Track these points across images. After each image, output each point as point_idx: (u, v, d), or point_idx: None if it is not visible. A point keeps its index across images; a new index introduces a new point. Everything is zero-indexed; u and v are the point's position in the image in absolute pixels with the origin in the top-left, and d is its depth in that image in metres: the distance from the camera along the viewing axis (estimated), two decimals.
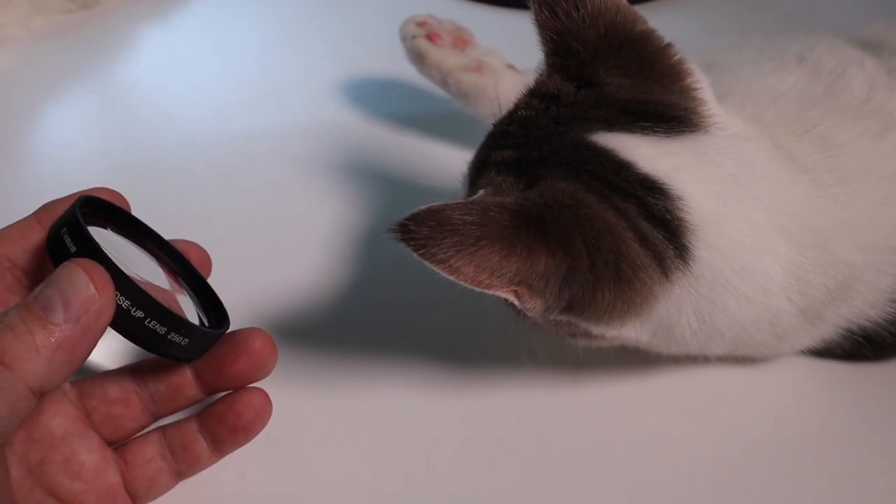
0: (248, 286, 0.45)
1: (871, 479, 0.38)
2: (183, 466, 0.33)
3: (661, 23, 0.37)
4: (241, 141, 0.59)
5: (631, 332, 0.35)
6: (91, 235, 0.28)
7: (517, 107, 0.38)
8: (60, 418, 0.31)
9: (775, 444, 0.39)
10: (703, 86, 0.36)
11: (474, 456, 0.38)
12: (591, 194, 0.32)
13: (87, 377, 0.34)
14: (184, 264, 0.35)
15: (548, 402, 0.41)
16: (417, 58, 0.55)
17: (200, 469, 0.33)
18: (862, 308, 0.38)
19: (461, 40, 0.55)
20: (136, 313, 0.28)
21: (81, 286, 0.26)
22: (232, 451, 0.33)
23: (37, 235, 0.32)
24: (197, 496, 0.35)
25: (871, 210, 0.37)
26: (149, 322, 0.28)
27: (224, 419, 0.32)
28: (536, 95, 0.37)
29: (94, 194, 0.32)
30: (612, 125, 0.34)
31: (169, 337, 0.29)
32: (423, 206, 0.30)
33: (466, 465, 0.38)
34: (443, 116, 0.59)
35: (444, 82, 0.54)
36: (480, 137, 0.55)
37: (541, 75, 0.37)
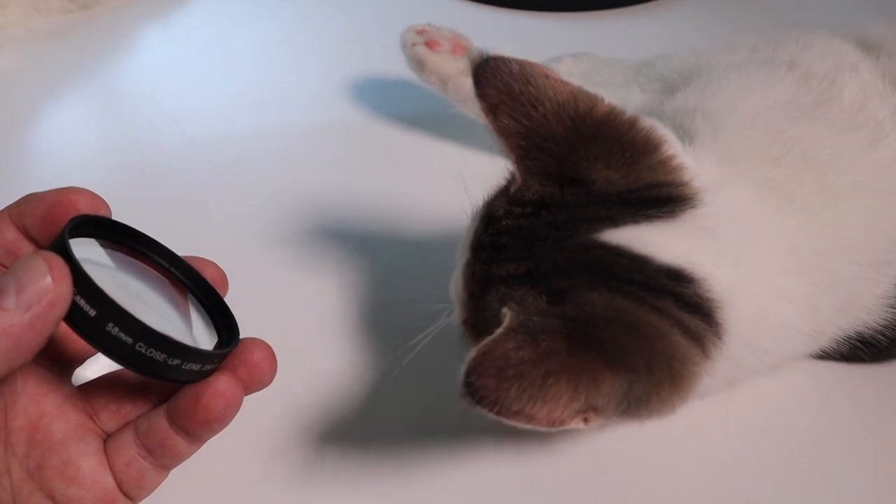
0: (247, 286, 0.45)
1: (871, 478, 0.38)
2: (165, 461, 0.32)
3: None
4: (241, 141, 0.59)
5: None
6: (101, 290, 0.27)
7: (494, 216, 0.35)
8: (62, 422, 0.31)
9: (778, 444, 0.39)
10: (677, 150, 0.35)
11: (475, 454, 0.38)
12: (627, 300, 0.32)
13: (92, 379, 0.34)
14: (192, 275, 0.34)
15: None
16: (417, 64, 0.55)
17: (184, 459, 0.32)
18: (859, 315, 0.39)
19: (459, 46, 0.56)
20: (124, 337, 0.27)
21: (38, 275, 0.26)
22: (211, 437, 0.32)
23: (9, 233, 0.31)
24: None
25: (866, 226, 0.37)
26: (146, 351, 0.28)
27: (193, 414, 0.30)
28: (517, 203, 0.35)
29: (72, 196, 0.31)
30: (616, 221, 0.33)
31: (183, 366, 0.29)
32: (471, 352, 0.29)
33: (466, 464, 0.38)
34: (445, 116, 0.59)
35: (443, 87, 0.55)
36: (482, 137, 0.56)
37: (511, 181, 0.36)
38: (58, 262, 0.27)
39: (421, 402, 0.41)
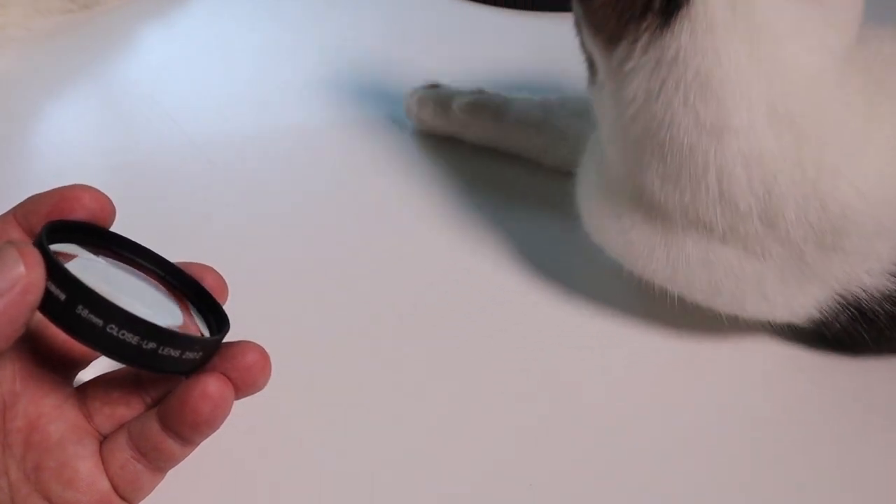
0: (247, 287, 0.45)
1: (847, 471, 0.38)
2: (159, 463, 0.31)
3: None
4: (241, 141, 0.59)
5: (601, 64, 0.37)
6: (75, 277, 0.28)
7: None
8: (60, 423, 0.31)
9: (751, 430, 0.39)
10: None
11: (474, 452, 0.38)
12: None
13: (88, 380, 0.34)
14: (185, 280, 0.34)
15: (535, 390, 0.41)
16: (410, 111, 0.58)
17: (179, 461, 0.32)
18: (857, 272, 0.37)
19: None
20: (94, 319, 0.27)
21: (10, 264, 0.26)
22: (203, 440, 0.32)
23: (15, 233, 0.31)
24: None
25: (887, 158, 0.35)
26: (119, 333, 0.27)
27: (182, 416, 0.30)
28: None
29: (76, 192, 0.31)
30: None
31: (160, 351, 0.28)
32: None
33: (465, 463, 0.38)
34: None
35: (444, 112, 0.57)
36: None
37: None
38: (30, 250, 0.27)
39: (416, 404, 0.41)
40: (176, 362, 0.29)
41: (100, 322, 0.27)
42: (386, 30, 0.58)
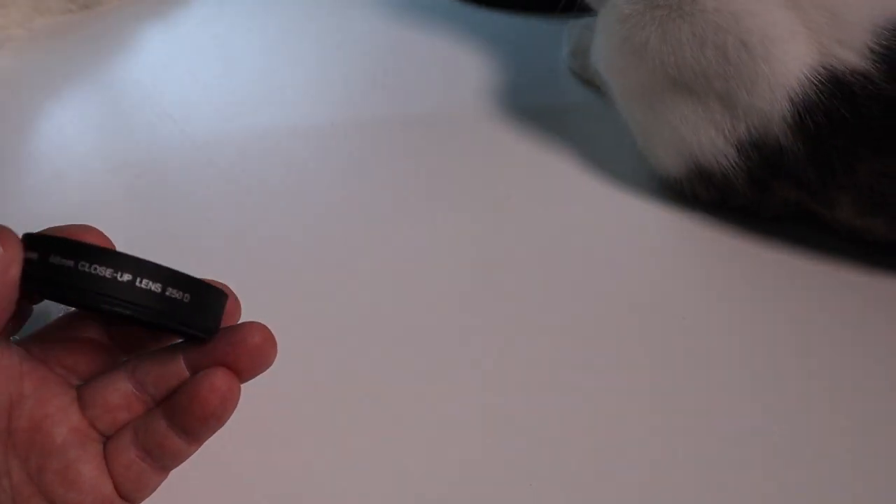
0: (248, 288, 0.46)
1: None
2: (164, 462, 0.32)
3: None
4: (242, 141, 0.59)
5: None
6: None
7: None
8: (64, 426, 0.31)
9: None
10: None
11: (473, 451, 0.38)
12: None
13: (86, 386, 0.33)
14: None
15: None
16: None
17: (184, 459, 0.32)
18: (829, 46, 0.35)
19: None
20: (66, 262, 0.27)
21: None
22: (210, 436, 0.32)
23: None
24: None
25: None
26: (91, 269, 0.28)
27: (190, 410, 0.31)
28: None
29: (80, 233, 0.32)
30: None
31: (119, 278, 0.28)
32: None
33: (464, 462, 0.38)
34: (443, 117, 0.59)
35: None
36: (490, 138, 0.56)
37: None
38: (4, 229, 0.28)
39: (415, 404, 0.41)
40: (160, 299, 0.29)
41: (71, 263, 0.27)
42: (387, 29, 0.58)
